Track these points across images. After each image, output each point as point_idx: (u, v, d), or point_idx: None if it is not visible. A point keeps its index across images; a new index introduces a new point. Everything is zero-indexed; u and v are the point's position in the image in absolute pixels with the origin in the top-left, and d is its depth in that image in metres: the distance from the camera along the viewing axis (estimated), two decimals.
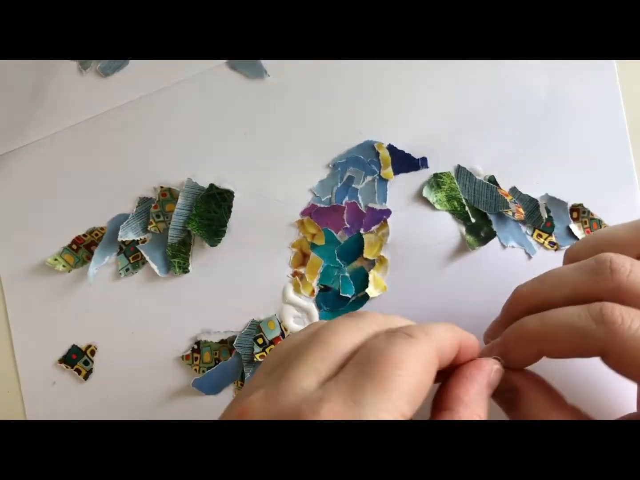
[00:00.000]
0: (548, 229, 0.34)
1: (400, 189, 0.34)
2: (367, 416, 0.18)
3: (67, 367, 0.33)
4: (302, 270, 0.34)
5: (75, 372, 0.33)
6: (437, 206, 0.34)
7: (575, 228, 0.34)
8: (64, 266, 0.33)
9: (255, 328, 0.33)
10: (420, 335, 0.20)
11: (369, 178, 0.34)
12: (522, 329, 0.23)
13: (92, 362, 0.33)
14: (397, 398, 0.18)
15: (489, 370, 0.22)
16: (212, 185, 0.33)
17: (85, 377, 0.33)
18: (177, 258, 0.33)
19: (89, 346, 0.33)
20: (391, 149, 0.34)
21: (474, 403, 0.21)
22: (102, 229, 0.34)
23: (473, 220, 0.34)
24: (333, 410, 0.18)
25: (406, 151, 0.34)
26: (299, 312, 0.34)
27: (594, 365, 0.22)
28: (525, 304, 0.25)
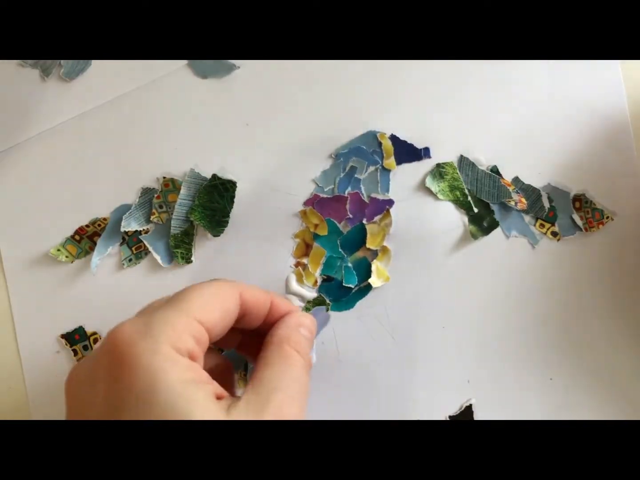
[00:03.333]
0: (550, 218, 0.34)
1: (403, 179, 0.34)
2: (157, 321, 0.22)
3: (66, 345, 0.33)
4: (305, 260, 0.34)
5: (72, 352, 0.33)
6: (440, 196, 0.34)
7: (577, 218, 0.34)
8: (66, 257, 0.33)
9: None
10: (226, 280, 0.25)
11: (371, 168, 0.34)
12: None
13: (93, 349, 0.34)
14: (187, 309, 0.22)
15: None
16: (214, 176, 0.33)
17: None
18: (179, 248, 0.33)
19: (94, 333, 0.33)
20: (394, 139, 0.34)
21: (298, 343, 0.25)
22: (104, 219, 0.34)
23: (476, 210, 0.34)
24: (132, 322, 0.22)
25: (409, 141, 0.34)
26: (302, 302, 0.34)
27: None
28: None
